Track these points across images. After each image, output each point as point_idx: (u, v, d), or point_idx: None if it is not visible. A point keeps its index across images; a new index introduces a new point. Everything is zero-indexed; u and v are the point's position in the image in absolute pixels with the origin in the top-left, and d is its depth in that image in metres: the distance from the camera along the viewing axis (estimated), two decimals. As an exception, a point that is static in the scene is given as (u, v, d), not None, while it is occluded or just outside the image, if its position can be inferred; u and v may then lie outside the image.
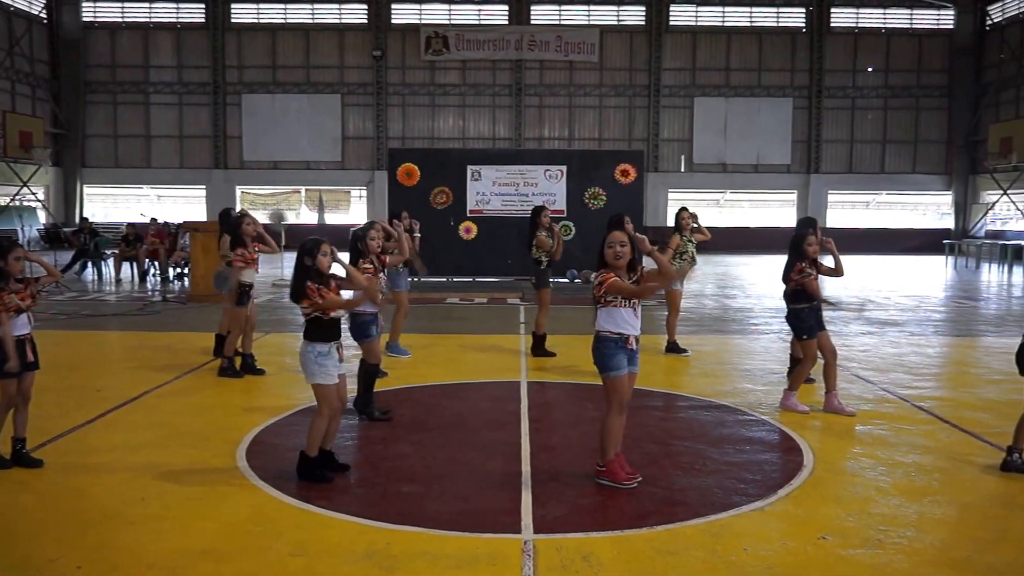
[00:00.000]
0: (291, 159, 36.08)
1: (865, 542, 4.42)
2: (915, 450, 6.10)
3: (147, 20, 35.85)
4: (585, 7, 35.56)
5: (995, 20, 34.46)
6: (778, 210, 36.91)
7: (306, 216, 36.24)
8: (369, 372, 6.93)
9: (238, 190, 35.94)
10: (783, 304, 7.43)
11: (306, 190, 36.52)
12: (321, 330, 5.30)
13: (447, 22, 35.53)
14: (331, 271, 5.41)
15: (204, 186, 36.15)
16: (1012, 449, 5.59)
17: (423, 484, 5.28)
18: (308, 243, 5.31)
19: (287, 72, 35.86)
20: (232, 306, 8.68)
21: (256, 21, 35.74)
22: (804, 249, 7.05)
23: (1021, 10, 32.81)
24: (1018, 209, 32.89)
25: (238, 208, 31.43)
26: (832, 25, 35.71)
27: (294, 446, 5.60)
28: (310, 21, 35.78)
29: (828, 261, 7.32)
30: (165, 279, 19.04)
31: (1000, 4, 34.21)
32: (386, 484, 5.33)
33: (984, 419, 6.95)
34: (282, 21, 35.74)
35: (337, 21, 35.81)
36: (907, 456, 5.95)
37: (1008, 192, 32.70)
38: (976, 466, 5.73)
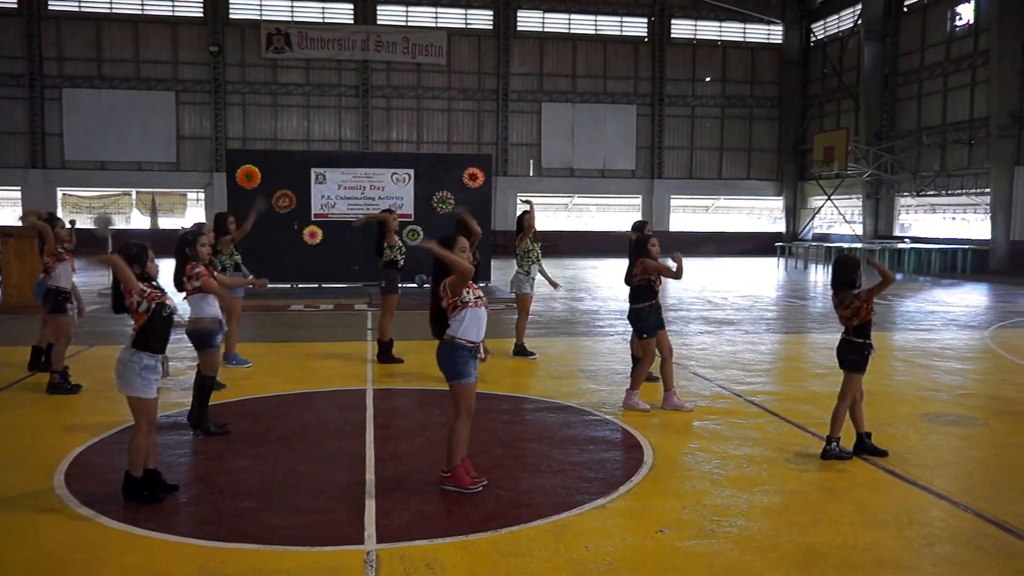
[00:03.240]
0: (120, 159, 33.85)
1: (699, 533, 4.60)
2: (747, 443, 6.42)
3: (-50, 5, 32.76)
4: (432, 9, 35.49)
5: (818, 37, 37.09)
6: (624, 214, 38.12)
7: (138, 220, 34.22)
8: (205, 385, 6.58)
9: (59, 192, 33.35)
10: (627, 305, 7.64)
11: (137, 192, 34.43)
12: (152, 340, 4.99)
13: (289, 19, 34.49)
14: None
15: (19, 187, 33.23)
16: (830, 439, 5.98)
17: (261, 499, 5.07)
18: (132, 249, 4.99)
19: (114, 66, 33.65)
20: (51, 316, 8.07)
21: (78, 10, 33.30)
22: (649, 249, 7.32)
23: (840, 28, 35.48)
24: (840, 214, 35.50)
25: (59, 212, 29.34)
26: (672, 36, 37.30)
27: (119, 466, 5.23)
28: (139, 13, 33.79)
29: (669, 263, 7.58)
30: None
31: (822, 22, 36.87)
32: (221, 501, 5.08)
33: (808, 411, 7.40)
34: (108, 11, 33.53)
35: (170, 14, 34.01)
36: (740, 449, 6.25)
37: (831, 198, 35.26)
38: (800, 455, 6.09)
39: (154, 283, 5.09)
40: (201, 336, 6.59)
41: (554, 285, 10.57)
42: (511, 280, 10.31)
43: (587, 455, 6.06)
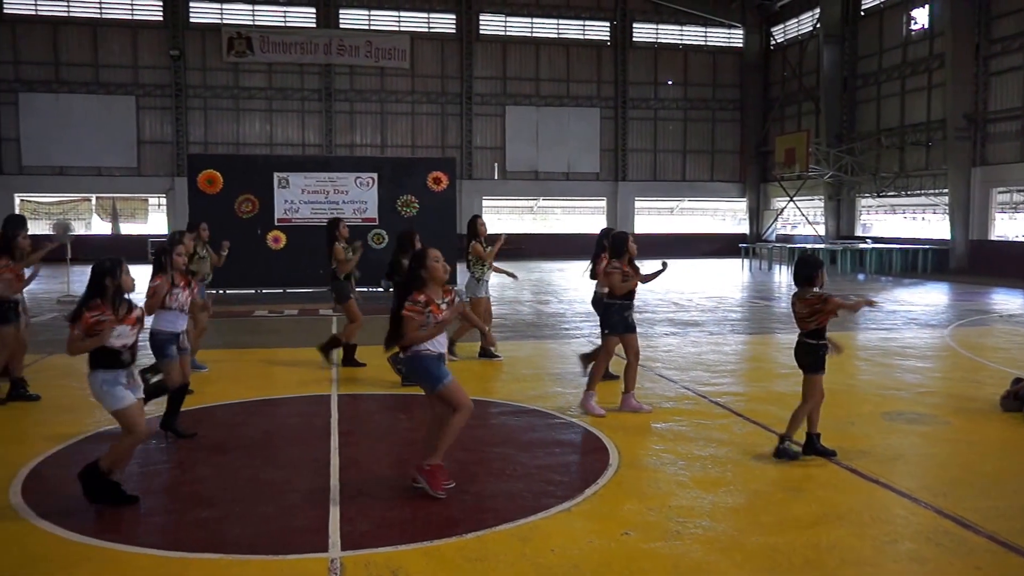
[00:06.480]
0: (79, 164, 33.26)
1: (665, 535, 4.60)
2: (711, 443, 6.45)
3: (-101, 7, 31.92)
4: (395, 13, 35.37)
5: (778, 41, 37.58)
6: (589, 217, 38.28)
7: (98, 226, 33.65)
8: (163, 390, 6.54)
9: (17, 198, 32.67)
10: (595, 305, 7.64)
11: (97, 198, 33.90)
12: (103, 355, 4.96)
13: (250, 23, 34.18)
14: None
15: (-24, 194, 32.64)
16: (784, 437, 6.01)
17: (223, 508, 5.00)
18: (106, 264, 4.97)
19: (73, 70, 33.09)
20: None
21: (34, 13, 32.74)
22: (629, 247, 7.33)
23: (799, 32, 35.98)
24: (803, 215, 35.96)
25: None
26: (634, 40, 37.56)
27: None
28: (98, 16, 33.26)
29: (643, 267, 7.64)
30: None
31: (782, 26, 37.37)
32: (183, 511, 5.00)
33: (772, 411, 7.44)
34: (65, 14, 32.97)
35: (129, 17, 33.53)
36: (704, 450, 6.28)
37: (794, 199, 35.70)
38: (764, 456, 6.12)
39: (127, 298, 5.05)
40: (154, 347, 6.58)
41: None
42: (465, 285, 10.29)
43: (552, 458, 6.05)
